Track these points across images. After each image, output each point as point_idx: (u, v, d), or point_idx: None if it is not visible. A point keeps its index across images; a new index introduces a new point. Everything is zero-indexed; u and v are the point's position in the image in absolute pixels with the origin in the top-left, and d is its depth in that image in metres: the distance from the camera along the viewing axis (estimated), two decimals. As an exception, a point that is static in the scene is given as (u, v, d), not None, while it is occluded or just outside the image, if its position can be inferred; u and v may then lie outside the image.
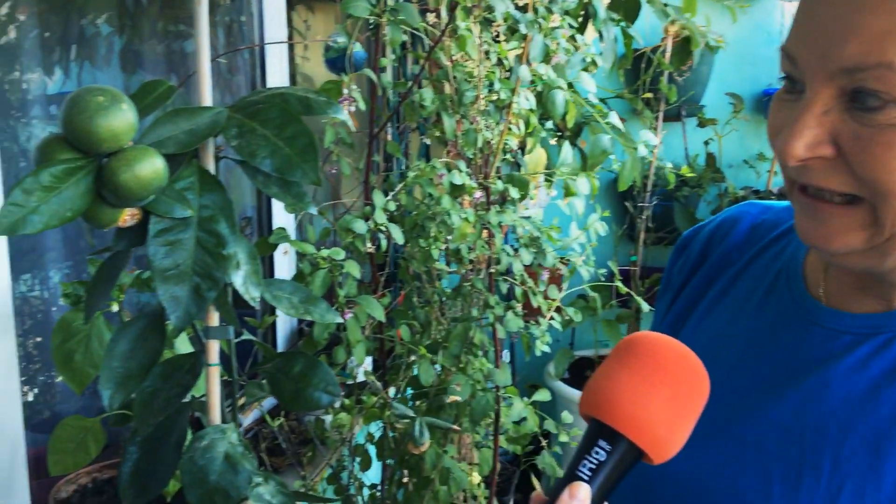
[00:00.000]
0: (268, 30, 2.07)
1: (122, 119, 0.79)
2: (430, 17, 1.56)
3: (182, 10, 2.12)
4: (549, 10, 1.26)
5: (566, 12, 1.32)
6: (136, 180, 0.80)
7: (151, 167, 0.80)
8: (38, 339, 1.64)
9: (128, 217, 0.85)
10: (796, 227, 0.69)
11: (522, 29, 1.26)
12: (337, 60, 1.91)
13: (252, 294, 0.89)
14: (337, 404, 1.64)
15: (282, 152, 0.86)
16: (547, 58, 1.33)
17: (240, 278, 0.89)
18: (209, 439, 0.88)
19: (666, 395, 0.60)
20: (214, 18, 2.11)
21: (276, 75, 2.10)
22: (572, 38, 1.37)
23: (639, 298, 1.74)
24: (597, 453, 0.59)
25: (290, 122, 0.88)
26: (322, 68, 2.61)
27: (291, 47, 2.30)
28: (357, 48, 1.69)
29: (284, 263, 2.06)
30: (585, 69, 1.46)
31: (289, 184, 0.92)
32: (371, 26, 1.44)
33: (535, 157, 1.93)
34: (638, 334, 0.63)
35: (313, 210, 0.94)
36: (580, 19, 1.61)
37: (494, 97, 1.54)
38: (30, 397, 1.57)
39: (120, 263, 0.91)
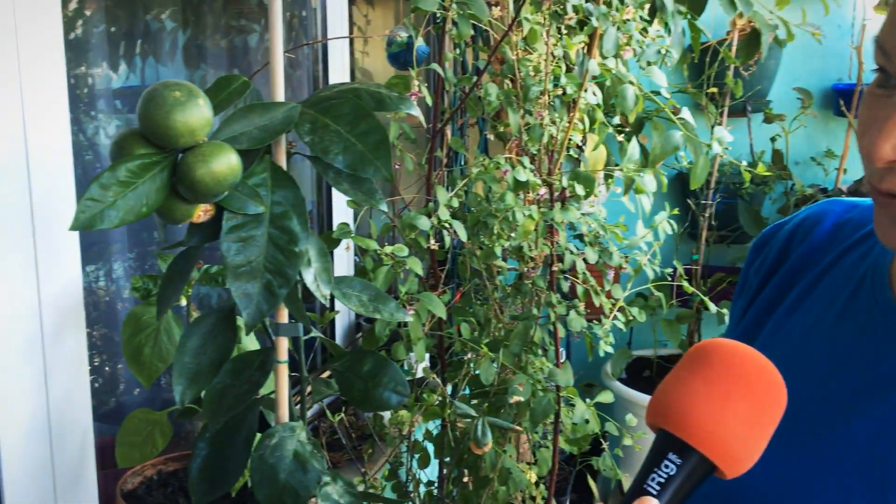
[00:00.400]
0: (330, 25, 2.07)
1: (198, 114, 0.78)
2: (496, 11, 1.54)
3: (245, 6, 2.13)
4: (622, 2, 1.23)
5: (639, 5, 1.28)
6: (212, 176, 0.79)
7: (226, 163, 0.80)
8: (104, 330, 1.67)
9: (201, 213, 0.84)
10: (875, 229, 0.65)
11: (594, 22, 1.23)
12: (399, 55, 1.90)
13: (323, 291, 0.88)
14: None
15: (354, 148, 0.85)
16: (617, 51, 1.29)
17: (311, 275, 0.88)
18: (278, 437, 0.88)
19: (743, 408, 0.57)
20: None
21: (338, 70, 2.10)
22: (644, 30, 1.33)
23: (706, 299, 1.69)
24: (666, 467, 0.57)
25: (363, 118, 0.87)
26: (380, 63, 2.61)
27: (351, 42, 2.30)
28: (419, 43, 1.67)
29: (343, 258, 2.06)
30: (653, 63, 1.41)
31: (360, 180, 0.91)
32: (437, 20, 1.42)
33: (597, 154, 1.89)
34: (711, 341, 0.60)
35: (384, 207, 0.93)
36: (647, 12, 1.56)
37: (560, 92, 1.51)
38: (95, 387, 1.59)
39: (192, 259, 0.91)
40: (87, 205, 0.75)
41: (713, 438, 0.56)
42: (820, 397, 0.72)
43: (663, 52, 1.35)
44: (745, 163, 1.66)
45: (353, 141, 0.85)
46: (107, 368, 1.66)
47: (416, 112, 0.93)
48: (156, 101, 0.77)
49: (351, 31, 2.37)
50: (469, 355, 1.74)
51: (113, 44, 1.80)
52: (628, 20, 1.26)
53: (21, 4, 1.03)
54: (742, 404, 0.56)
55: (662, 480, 0.56)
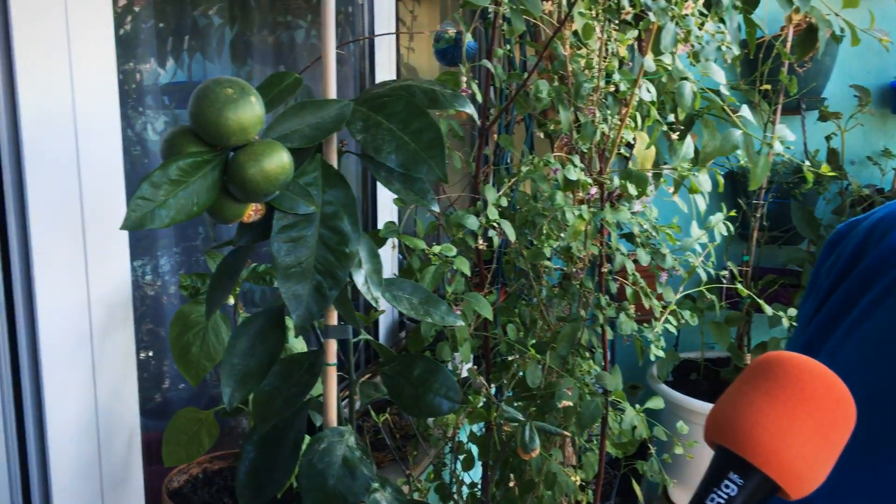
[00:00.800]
0: (377, 21, 2.05)
1: (250, 112, 0.77)
2: (547, 6, 1.50)
3: (292, 2, 2.12)
4: (682, -5, 1.19)
5: (695, -1, 1.24)
6: (263, 175, 0.77)
7: (278, 162, 0.78)
8: (150, 325, 1.67)
9: (252, 213, 0.83)
10: None
11: (651, 17, 1.19)
12: (447, 51, 1.87)
13: (374, 294, 0.86)
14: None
15: (408, 147, 0.83)
16: (675, 47, 1.25)
17: (361, 277, 0.86)
18: (327, 442, 0.86)
19: (810, 427, 0.53)
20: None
21: (385, 67, 2.08)
22: (701, 25, 1.29)
23: (761, 302, 1.64)
24: (727, 487, 0.53)
25: (417, 116, 0.84)
26: (426, 60, 2.59)
27: (397, 38, 2.28)
28: (468, 39, 1.64)
29: (387, 257, 2.04)
30: (711, 60, 1.37)
31: (412, 180, 0.88)
32: (487, 16, 1.39)
33: (645, 152, 1.85)
34: (776, 355, 0.57)
35: (436, 207, 0.91)
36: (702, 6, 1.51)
37: (612, 88, 1.47)
38: (142, 383, 1.60)
39: (242, 259, 0.89)
40: (139, 204, 0.73)
41: (778, 458, 0.52)
42: (890, 414, 0.68)
43: (724, 48, 1.30)
44: (806, 163, 1.60)
45: (407, 139, 0.83)
46: (153, 364, 1.66)
47: (471, 110, 0.90)
48: (208, 98, 0.76)
49: (397, 28, 2.35)
50: (514, 356, 1.71)
51: (161, 40, 1.80)
52: (687, 15, 1.22)
53: (73, 2, 1.03)
54: (808, 422, 0.53)
55: (722, 501, 0.53)
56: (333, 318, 0.91)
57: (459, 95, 0.89)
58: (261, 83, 0.86)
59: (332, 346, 0.91)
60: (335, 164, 0.88)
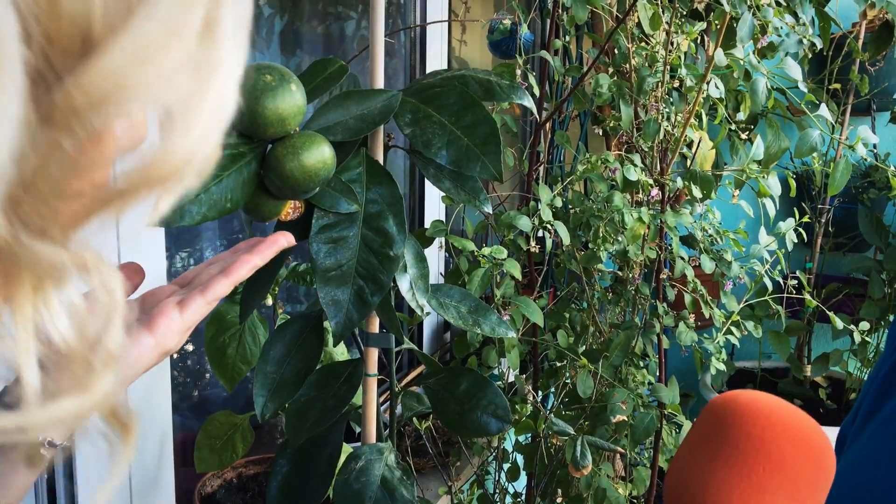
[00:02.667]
0: (430, 11, 1.99)
1: (290, 101, 0.70)
2: (608, -4, 1.42)
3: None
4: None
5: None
6: (303, 170, 0.71)
7: (319, 156, 0.72)
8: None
9: (290, 210, 0.77)
10: None
11: (725, 6, 1.10)
12: (501, 43, 1.80)
13: (420, 301, 0.79)
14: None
15: (460, 142, 0.76)
16: (753, 39, 1.16)
17: (406, 283, 0.80)
18: (365, 460, 0.80)
19: (782, 500, 0.44)
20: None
21: (436, 59, 2.01)
22: (781, 15, 1.19)
23: (831, 314, 1.54)
24: None
25: (470, 109, 0.77)
26: (479, 53, 2.51)
27: (449, 30, 2.21)
28: (524, 30, 1.57)
29: (434, 256, 1.98)
30: (789, 54, 1.27)
31: (464, 178, 0.81)
32: (546, 4, 1.31)
33: (705, 153, 1.75)
34: (731, 403, 0.47)
35: (488, 209, 0.84)
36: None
37: (677, 84, 1.38)
38: (178, 381, 1.55)
39: (279, 260, 0.83)
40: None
41: None
42: None
43: (805, 41, 1.20)
44: (893, 168, 1.49)
45: (459, 134, 0.76)
46: (191, 360, 1.62)
47: (529, 102, 0.83)
48: (245, 85, 0.69)
49: (449, 17, 2.28)
50: (564, 362, 1.64)
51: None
52: (764, 5, 1.13)
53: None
54: (781, 496, 0.44)
55: None
56: (375, 325, 0.85)
57: (517, 86, 0.82)
58: (303, 71, 0.80)
59: (373, 356, 0.85)
60: (381, 159, 0.81)
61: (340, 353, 1.13)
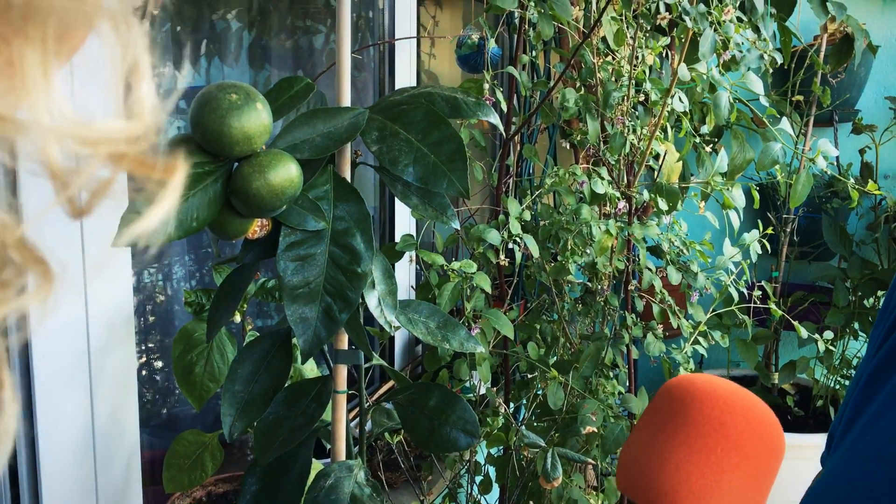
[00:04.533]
0: (398, 26, 1.99)
1: (256, 120, 0.70)
2: (574, 11, 1.44)
3: (311, 6, 2.07)
4: (721, 1, 1.11)
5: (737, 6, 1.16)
6: (269, 189, 0.71)
7: (286, 174, 0.72)
8: (158, 338, 1.62)
9: (257, 228, 0.77)
10: None
11: (688, 23, 1.12)
12: (469, 58, 1.81)
13: (388, 318, 0.79)
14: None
15: (426, 160, 0.76)
16: (714, 54, 1.18)
17: (374, 299, 0.80)
18: (334, 478, 0.79)
19: (741, 480, 0.46)
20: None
21: (405, 73, 2.02)
22: (741, 28, 1.21)
23: (795, 323, 1.56)
24: None
25: (437, 126, 0.78)
26: (448, 67, 2.52)
27: (418, 44, 2.22)
28: (491, 45, 1.58)
29: (404, 269, 1.98)
30: (752, 70, 1.29)
31: (431, 194, 0.82)
32: (514, 20, 1.32)
33: (672, 165, 1.77)
34: (688, 385, 0.48)
35: (456, 224, 0.84)
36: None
37: (642, 98, 1.40)
38: (146, 399, 1.54)
39: (247, 277, 0.83)
40: (131, 218, 0.67)
41: None
42: None
43: (766, 56, 1.23)
44: (852, 181, 1.52)
45: (426, 151, 0.77)
46: (158, 378, 1.60)
47: (495, 119, 0.83)
48: (210, 104, 0.69)
49: (418, 33, 2.30)
50: (535, 375, 1.64)
51: (178, 44, 1.75)
52: (726, 21, 1.15)
53: None
54: (738, 475, 0.46)
55: None
56: (344, 342, 0.85)
57: (483, 104, 0.83)
58: (269, 89, 0.80)
59: (342, 373, 0.85)
60: (348, 176, 0.82)
61: (309, 370, 1.13)
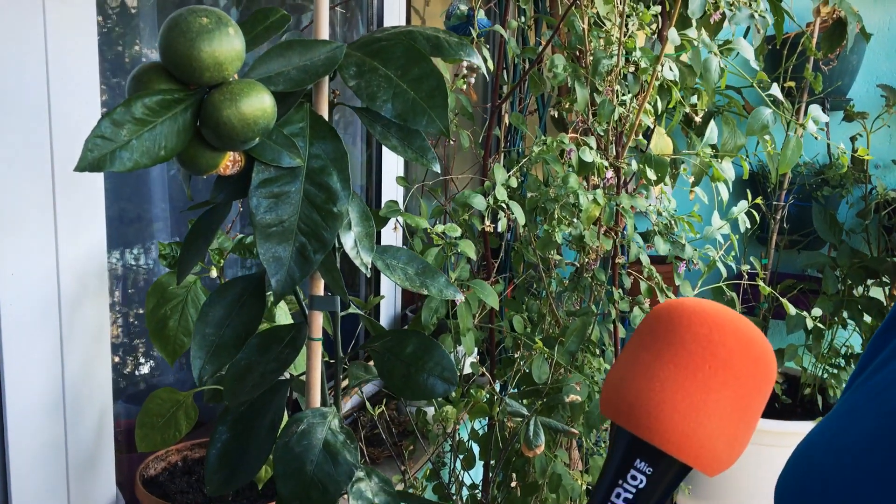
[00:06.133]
0: (387, 7, 1.97)
1: (227, 45, 0.68)
2: (564, -20, 1.41)
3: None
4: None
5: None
6: (240, 117, 0.69)
7: (258, 104, 0.69)
8: (140, 311, 1.59)
9: (229, 163, 0.74)
10: None
11: (678, -19, 1.10)
12: (458, 28, 1.78)
13: (364, 259, 0.77)
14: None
15: (406, 95, 0.74)
16: (704, 15, 1.16)
17: (350, 240, 0.78)
18: (307, 423, 0.77)
19: (727, 399, 0.44)
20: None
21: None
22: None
23: (784, 300, 1.54)
24: (634, 479, 0.45)
25: (417, 62, 0.76)
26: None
27: (409, 14, 2.19)
28: (480, 15, 1.56)
29: (388, 239, 1.95)
30: (734, 26, 1.27)
31: (411, 134, 0.79)
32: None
33: (663, 144, 1.75)
34: (676, 305, 0.46)
35: (436, 167, 0.82)
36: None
37: (633, 67, 1.38)
38: (124, 370, 1.51)
39: (218, 217, 0.81)
40: (97, 143, 0.65)
41: (692, 442, 0.43)
42: None
43: (758, 17, 1.21)
44: (848, 163, 1.50)
45: (405, 87, 0.74)
46: (137, 346, 1.57)
47: (478, 61, 0.81)
48: (179, 27, 0.67)
49: (409, 12, 2.27)
50: (520, 352, 1.62)
51: (163, 15, 1.72)
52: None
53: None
54: (725, 392, 0.43)
55: (631, 497, 0.44)
56: (320, 289, 0.82)
57: (466, 44, 0.80)
58: (244, 20, 0.78)
59: (318, 319, 0.82)
60: (325, 114, 0.79)
61: (284, 321, 1.10)
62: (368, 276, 0.80)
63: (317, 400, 0.81)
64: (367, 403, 1.47)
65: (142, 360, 1.54)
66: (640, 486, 0.44)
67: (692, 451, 0.43)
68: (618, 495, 0.45)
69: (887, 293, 2.47)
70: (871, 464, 0.43)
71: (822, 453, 0.46)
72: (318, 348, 0.82)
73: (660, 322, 0.46)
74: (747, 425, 0.45)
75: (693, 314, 0.45)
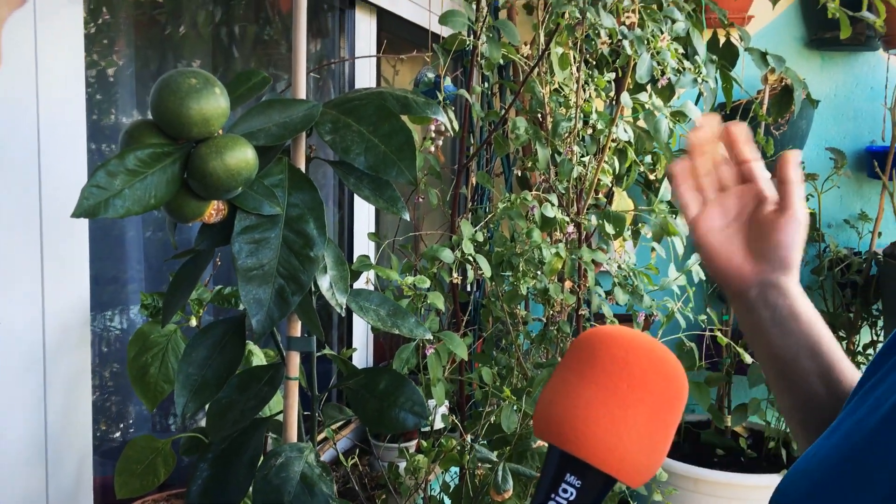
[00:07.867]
0: (358, 76, 2.07)
1: (214, 103, 0.75)
2: (524, 49, 1.52)
3: (274, 52, 2.13)
4: (659, 29, 1.19)
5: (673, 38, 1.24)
6: (225, 169, 0.75)
7: (242, 157, 0.76)
8: (116, 368, 1.61)
9: (213, 211, 0.80)
10: None
11: (627, 48, 1.19)
12: (426, 94, 1.88)
13: (339, 300, 0.82)
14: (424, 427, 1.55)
15: (377, 149, 0.81)
16: (652, 80, 1.25)
17: (326, 282, 0.83)
18: (285, 457, 0.81)
19: (645, 415, 0.50)
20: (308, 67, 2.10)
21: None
22: (680, 60, 1.29)
23: (742, 352, 1.61)
24: (565, 491, 0.50)
25: (387, 119, 0.83)
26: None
27: (378, 83, 2.29)
28: (447, 83, 1.65)
29: (363, 303, 2.00)
30: (680, 91, 1.37)
31: (382, 185, 0.86)
32: (466, 58, 1.39)
33: (623, 204, 1.84)
34: (596, 332, 0.53)
35: (406, 216, 0.88)
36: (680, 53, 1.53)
37: (590, 130, 1.47)
38: (101, 426, 1.53)
39: (202, 264, 0.86)
40: (92, 192, 0.70)
41: (615, 455, 0.49)
42: None
43: (700, 80, 1.31)
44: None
45: (376, 141, 0.81)
46: (119, 405, 1.59)
47: (444, 119, 0.89)
48: (170, 87, 0.74)
49: (378, 81, 2.37)
50: (489, 404, 1.67)
51: (143, 87, 1.79)
52: (662, 47, 1.23)
53: None
54: (644, 409, 0.50)
55: None
56: (297, 330, 0.87)
57: (432, 103, 0.88)
58: (229, 81, 0.84)
59: (295, 360, 0.87)
60: (303, 167, 0.86)
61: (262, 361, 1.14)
62: (343, 314, 0.85)
63: (294, 436, 0.86)
64: (341, 456, 1.50)
65: (115, 416, 1.56)
66: (571, 498, 0.49)
67: (615, 463, 0.49)
68: None
69: (844, 347, 2.55)
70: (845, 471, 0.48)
71: (808, 462, 0.52)
72: (295, 388, 0.87)
73: (583, 348, 0.52)
74: (664, 438, 0.51)
75: (611, 339, 0.52)
